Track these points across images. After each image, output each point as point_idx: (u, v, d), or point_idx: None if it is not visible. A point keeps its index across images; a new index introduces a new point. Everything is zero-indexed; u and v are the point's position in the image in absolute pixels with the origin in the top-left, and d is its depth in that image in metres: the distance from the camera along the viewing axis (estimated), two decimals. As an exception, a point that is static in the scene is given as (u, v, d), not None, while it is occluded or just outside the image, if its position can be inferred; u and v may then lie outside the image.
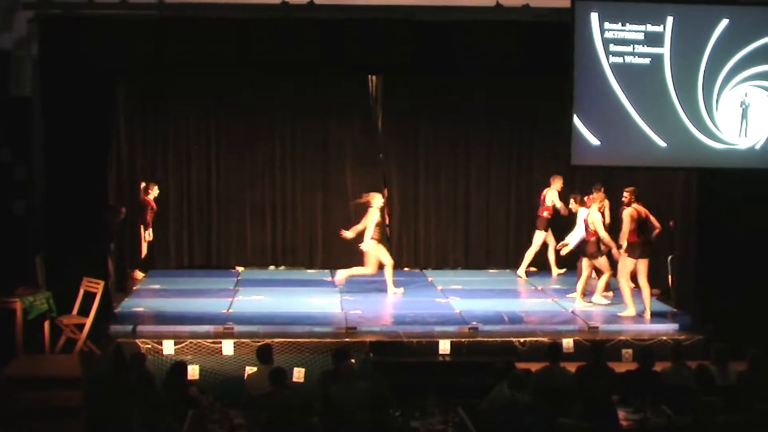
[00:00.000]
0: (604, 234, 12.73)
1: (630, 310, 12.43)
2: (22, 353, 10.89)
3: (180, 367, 9.66)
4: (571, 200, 13.90)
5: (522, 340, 11.50)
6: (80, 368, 10.24)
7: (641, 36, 11.03)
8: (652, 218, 12.47)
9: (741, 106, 11.30)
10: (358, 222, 13.88)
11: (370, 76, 15.58)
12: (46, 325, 11.25)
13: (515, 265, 15.72)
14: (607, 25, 10.97)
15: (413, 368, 11.09)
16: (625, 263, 12.39)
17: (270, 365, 9.48)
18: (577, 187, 14.52)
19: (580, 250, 13.15)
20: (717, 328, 11.50)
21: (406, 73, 13.78)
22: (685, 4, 11.13)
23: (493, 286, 14.74)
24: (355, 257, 16.01)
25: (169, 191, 15.80)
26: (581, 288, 13.10)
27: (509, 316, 12.38)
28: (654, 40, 11.04)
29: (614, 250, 12.60)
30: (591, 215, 12.81)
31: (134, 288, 14.07)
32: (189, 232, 15.89)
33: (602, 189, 13.48)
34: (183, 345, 11.12)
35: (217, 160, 15.95)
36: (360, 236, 13.76)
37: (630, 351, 11.41)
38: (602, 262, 12.96)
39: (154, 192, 15.25)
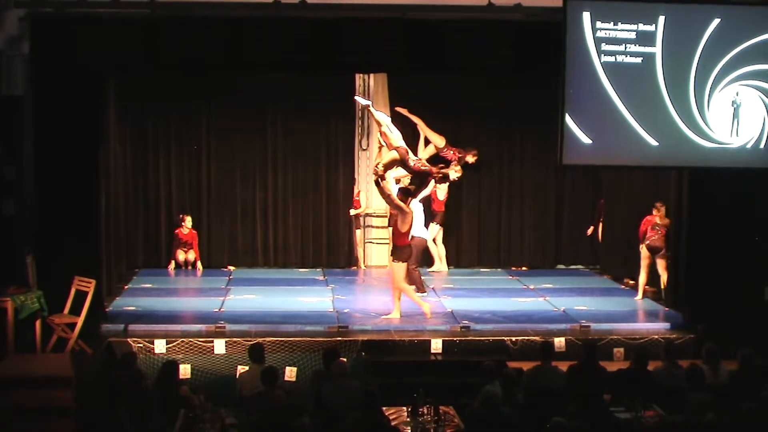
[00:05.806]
0: None
1: None
2: (13, 353, 10.84)
3: (171, 366, 9.65)
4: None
5: (514, 339, 11.50)
6: (71, 367, 10.20)
7: (633, 35, 11.02)
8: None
9: (732, 106, 11.30)
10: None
11: (361, 76, 15.59)
12: (38, 324, 11.20)
13: (506, 264, 15.88)
14: (599, 24, 10.97)
15: (405, 367, 11.08)
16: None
17: (262, 364, 9.46)
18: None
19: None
20: (708, 328, 11.52)
21: (398, 72, 13.80)
22: (677, 3, 11.13)
23: (485, 285, 14.74)
24: (346, 255, 16.05)
25: (160, 191, 15.80)
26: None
27: (501, 315, 12.40)
28: (646, 39, 11.04)
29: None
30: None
31: (125, 287, 14.05)
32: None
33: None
34: (174, 344, 11.10)
35: (208, 160, 15.92)
36: None
37: (621, 350, 11.43)
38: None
39: (187, 223, 15.38)
